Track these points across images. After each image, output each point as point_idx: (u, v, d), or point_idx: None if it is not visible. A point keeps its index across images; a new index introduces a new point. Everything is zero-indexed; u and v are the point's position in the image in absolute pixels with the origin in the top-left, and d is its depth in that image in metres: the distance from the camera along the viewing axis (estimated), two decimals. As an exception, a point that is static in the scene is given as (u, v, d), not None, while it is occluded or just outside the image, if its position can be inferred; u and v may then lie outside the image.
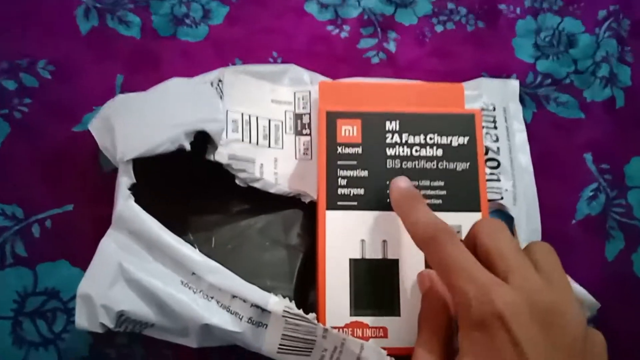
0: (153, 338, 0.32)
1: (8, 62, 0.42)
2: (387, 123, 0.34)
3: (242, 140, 0.36)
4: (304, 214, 0.37)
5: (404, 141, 0.34)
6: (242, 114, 0.37)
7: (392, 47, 0.45)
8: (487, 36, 0.47)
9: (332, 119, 0.34)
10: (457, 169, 0.34)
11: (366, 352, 0.29)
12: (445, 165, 0.34)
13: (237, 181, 0.36)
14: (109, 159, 0.35)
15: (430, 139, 0.34)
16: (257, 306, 0.30)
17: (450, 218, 0.31)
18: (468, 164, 0.34)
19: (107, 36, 0.44)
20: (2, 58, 0.42)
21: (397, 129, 0.34)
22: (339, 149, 0.33)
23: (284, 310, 0.29)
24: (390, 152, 0.34)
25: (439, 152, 0.34)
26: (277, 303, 0.29)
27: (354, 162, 0.33)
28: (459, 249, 0.26)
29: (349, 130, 0.34)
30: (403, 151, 0.34)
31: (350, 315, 0.32)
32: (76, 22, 0.44)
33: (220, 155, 0.35)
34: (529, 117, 0.43)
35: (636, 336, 0.36)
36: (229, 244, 0.36)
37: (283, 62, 0.44)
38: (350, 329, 0.31)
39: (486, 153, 0.39)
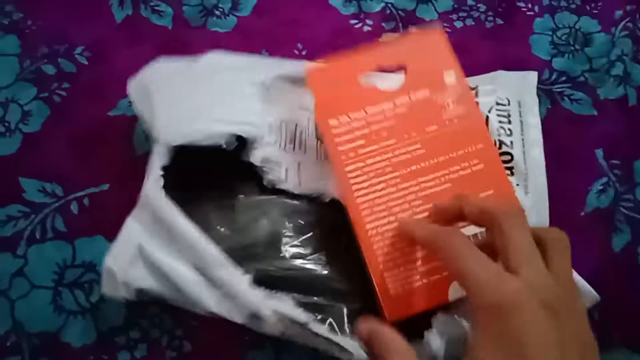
0: (182, 309, 0.34)
1: (48, 47, 0.44)
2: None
3: (274, 143, 0.38)
4: (323, 212, 0.38)
5: None
6: (276, 119, 0.39)
7: (412, 41, 0.47)
8: (505, 33, 0.48)
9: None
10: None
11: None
12: None
13: (265, 182, 0.38)
14: (142, 141, 0.37)
15: None
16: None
17: None
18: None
19: (141, 25, 0.46)
20: (42, 43, 0.44)
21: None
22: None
23: (278, 320, 0.31)
24: None
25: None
26: (270, 316, 0.31)
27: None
28: (465, 242, 0.27)
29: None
30: None
31: None
32: (111, 11, 0.46)
33: (254, 157, 0.37)
34: (543, 113, 0.44)
35: (637, 323, 0.38)
36: (250, 226, 0.38)
37: (307, 54, 0.46)
38: None
39: (500, 147, 0.40)
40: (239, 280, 0.32)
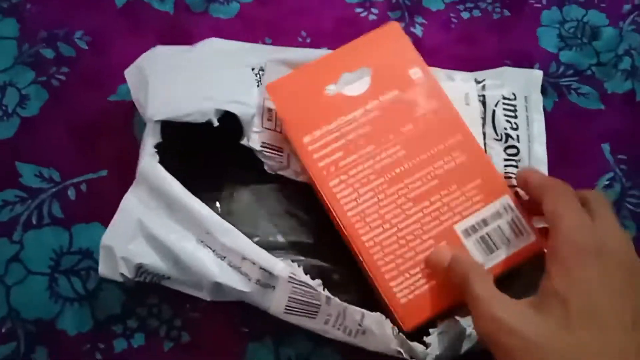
0: (182, 300, 0.34)
1: (47, 31, 0.43)
2: None
3: (274, 129, 0.37)
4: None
5: None
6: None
7: (418, 31, 0.46)
8: (512, 25, 0.47)
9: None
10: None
11: (367, 320, 0.30)
12: None
13: (265, 167, 0.37)
14: (142, 127, 0.36)
15: None
16: (265, 270, 0.31)
17: None
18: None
19: (142, 10, 0.45)
20: (41, 27, 0.44)
21: None
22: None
23: (290, 276, 0.31)
24: None
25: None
26: (283, 269, 0.31)
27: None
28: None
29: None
30: None
31: None
32: (112, -5, 0.46)
33: (254, 141, 0.36)
34: (549, 106, 0.43)
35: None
36: (248, 205, 0.38)
37: (311, 42, 0.45)
38: None
39: (506, 140, 0.40)
40: (247, 243, 0.32)
